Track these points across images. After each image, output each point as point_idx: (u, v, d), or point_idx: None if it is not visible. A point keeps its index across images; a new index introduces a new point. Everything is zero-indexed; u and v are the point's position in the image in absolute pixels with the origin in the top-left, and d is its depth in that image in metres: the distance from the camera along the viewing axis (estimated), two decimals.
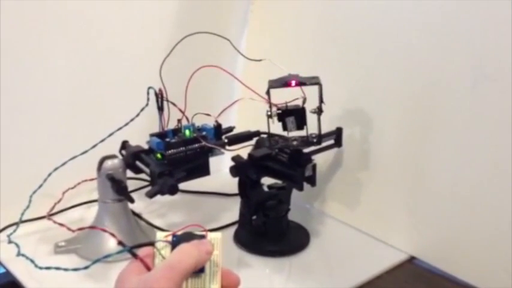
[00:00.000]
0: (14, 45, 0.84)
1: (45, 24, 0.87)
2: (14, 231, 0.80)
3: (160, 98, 0.80)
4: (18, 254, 0.76)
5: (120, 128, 0.80)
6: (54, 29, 0.88)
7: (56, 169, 0.80)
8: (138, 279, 0.45)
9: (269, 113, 0.76)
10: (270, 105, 0.75)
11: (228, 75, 0.82)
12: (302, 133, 0.79)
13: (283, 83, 0.75)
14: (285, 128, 0.78)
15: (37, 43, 0.87)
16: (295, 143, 0.79)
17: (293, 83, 0.74)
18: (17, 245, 0.77)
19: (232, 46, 0.82)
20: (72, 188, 0.84)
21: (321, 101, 0.76)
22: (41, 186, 0.80)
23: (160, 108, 0.81)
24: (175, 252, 0.47)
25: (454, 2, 0.73)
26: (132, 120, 0.80)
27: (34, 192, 0.80)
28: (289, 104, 0.77)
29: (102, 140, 0.81)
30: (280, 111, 0.76)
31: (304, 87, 0.75)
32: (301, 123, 0.77)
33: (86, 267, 0.72)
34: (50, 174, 0.80)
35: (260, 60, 0.80)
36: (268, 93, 0.75)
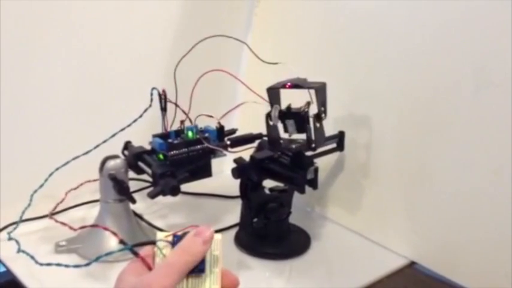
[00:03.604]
0: (18, 44, 0.84)
1: (48, 24, 0.87)
2: (14, 229, 0.80)
3: (164, 99, 0.81)
4: (19, 250, 0.75)
5: (123, 129, 0.81)
6: (57, 30, 0.88)
7: (57, 169, 0.80)
8: (137, 278, 0.46)
9: (270, 114, 0.76)
10: (271, 106, 0.75)
11: (232, 78, 0.83)
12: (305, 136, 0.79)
13: (281, 85, 0.75)
14: (285, 130, 0.78)
15: (40, 43, 0.87)
16: (294, 146, 0.78)
17: (288, 85, 0.75)
18: (17, 242, 0.77)
19: (250, 51, 0.82)
20: (75, 188, 0.84)
21: (321, 106, 0.76)
22: (42, 185, 0.80)
23: (164, 109, 0.81)
24: (173, 250, 0.47)
25: (457, 6, 0.73)
26: (135, 121, 0.80)
27: (35, 191, 0.80)
28: (293, 107, 0.77)
29: (105, 141, 0.81)
30: (281, 113, 0.76)
31: (313, 93, 0.75)
32: (301, 127, 0.77)
33: (87, 264, 0.71)
34: (51, 174, 0.80)
35: (276, 63, 0.80)
36: (269, 94, 0.75)
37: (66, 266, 0.71)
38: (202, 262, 0.48)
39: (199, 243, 0.47)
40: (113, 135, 0.81)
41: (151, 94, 0.79)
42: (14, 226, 0.81)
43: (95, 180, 0.83)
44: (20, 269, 0.76)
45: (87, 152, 0.81)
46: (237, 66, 1.06)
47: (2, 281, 0.81)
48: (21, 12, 0.84)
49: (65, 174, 0.81)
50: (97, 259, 0.72)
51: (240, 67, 1.07)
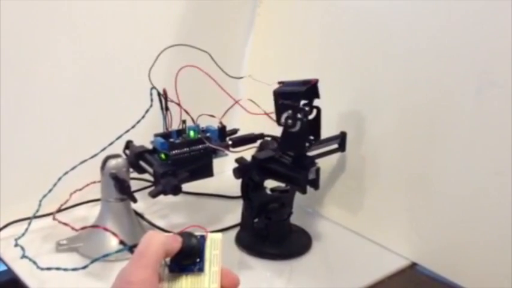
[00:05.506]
0: (20, 46, 0.84)
1: (50, 26, 0.87)
2: (23, 235, 0.79)
3: (165, 99, 0.80)
4: (23, 256, 0.76)
5: (127, 131, 0.81)
6: (59, 31, 0.88)
7: (66, 173, 0.80)
8: (117, 275, 0.45)
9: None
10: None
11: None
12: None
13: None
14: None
15: (43, 45, 0.87)
16: None
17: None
18: (22, 248, 0.77)
19: (212, 60, 0.80)
20: (81, 189, 0.84)
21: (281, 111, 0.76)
22: (50, 190, 0.80)
23: (166, 109, 0.81)
24: (142, 240, 0.46)
25: (460, 8, 0.73)
26: (138, 122, 0.80)
27: (44, 196, 0.80)
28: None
29: (111, 143, 0.81)
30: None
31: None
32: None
33: (85, 267, 0.72)
34: (60, 179, 0.80)
35: (241, 77, 0.81)
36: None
37: (65, 269, 0.72)
38: (201, 261, 0.48)
39: (171, 237, 0.47)
40: (119, 137, 0.81)
41: (151, 94, 0.79)
42: (16, 226, 0.81)
43: (100, 182, 0.83)
44: (21, 268, 0.76)
45: (94, 156, 0.81)
46: (239, 65, 1.06)
47: (3, 280, 0.81)
48: (23, 14, 0.83)
49: (68, 174, 0.81)
50: (93, 261, 0.73)
51: (241, 67, 1.07)
